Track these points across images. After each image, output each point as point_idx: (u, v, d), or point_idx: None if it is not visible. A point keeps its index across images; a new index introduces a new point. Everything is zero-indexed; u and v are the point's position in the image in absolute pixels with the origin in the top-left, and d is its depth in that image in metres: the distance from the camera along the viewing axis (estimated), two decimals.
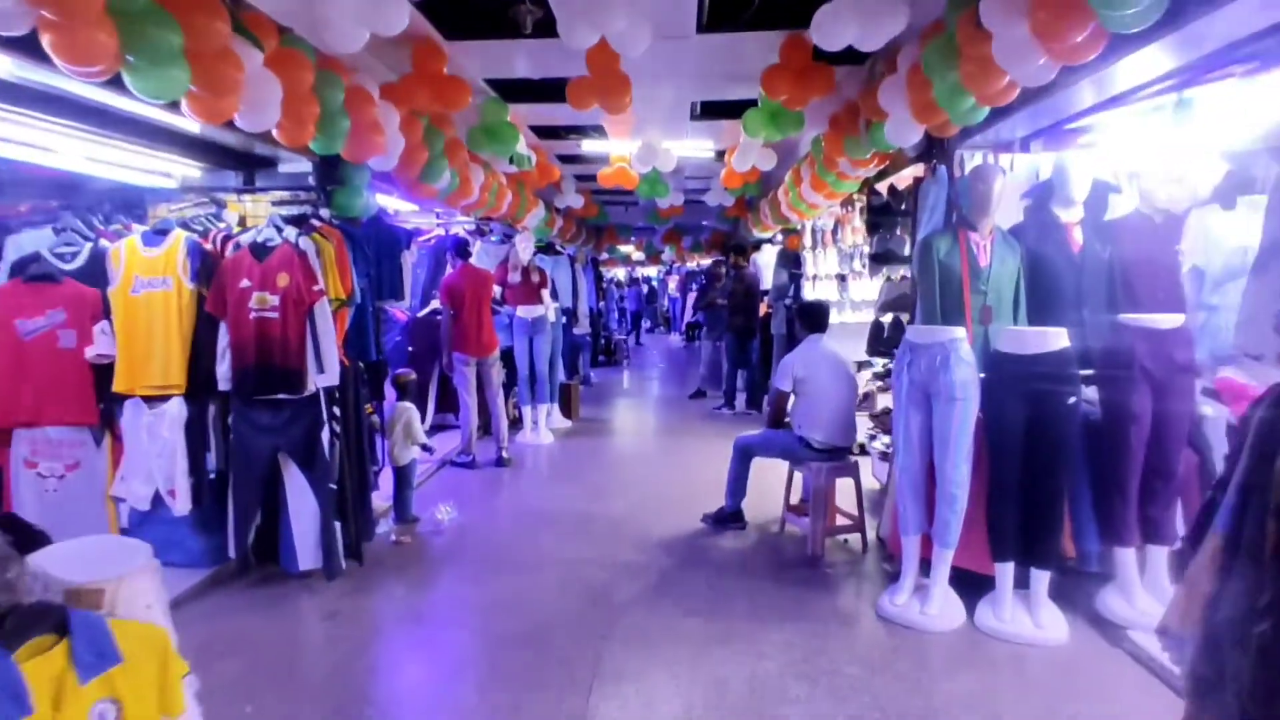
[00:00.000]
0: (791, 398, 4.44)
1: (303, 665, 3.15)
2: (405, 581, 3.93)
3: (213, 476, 3.80)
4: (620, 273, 25.45)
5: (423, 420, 7.43)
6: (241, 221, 4.15)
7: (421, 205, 7.02)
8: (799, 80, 3.91)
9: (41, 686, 1.29)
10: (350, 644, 3.28)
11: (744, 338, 8.67)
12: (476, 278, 6.29)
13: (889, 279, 4.72)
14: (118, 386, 3.67)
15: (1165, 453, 3.24)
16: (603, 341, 14.07)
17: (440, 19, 3.72)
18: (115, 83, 2.63)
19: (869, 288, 7.05)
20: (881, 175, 4.93)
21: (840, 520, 4.47)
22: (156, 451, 3.69)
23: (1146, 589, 3.29)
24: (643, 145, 6.16)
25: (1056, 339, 3.23)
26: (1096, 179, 3.66)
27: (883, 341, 4.63)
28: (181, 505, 3.68)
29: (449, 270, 6.96)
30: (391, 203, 6.55)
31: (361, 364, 4.30)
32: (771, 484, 5.09)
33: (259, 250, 3.66)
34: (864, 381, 6.38)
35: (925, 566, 3.54)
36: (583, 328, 11.11)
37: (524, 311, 7.22)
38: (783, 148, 6.66)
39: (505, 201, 6.67)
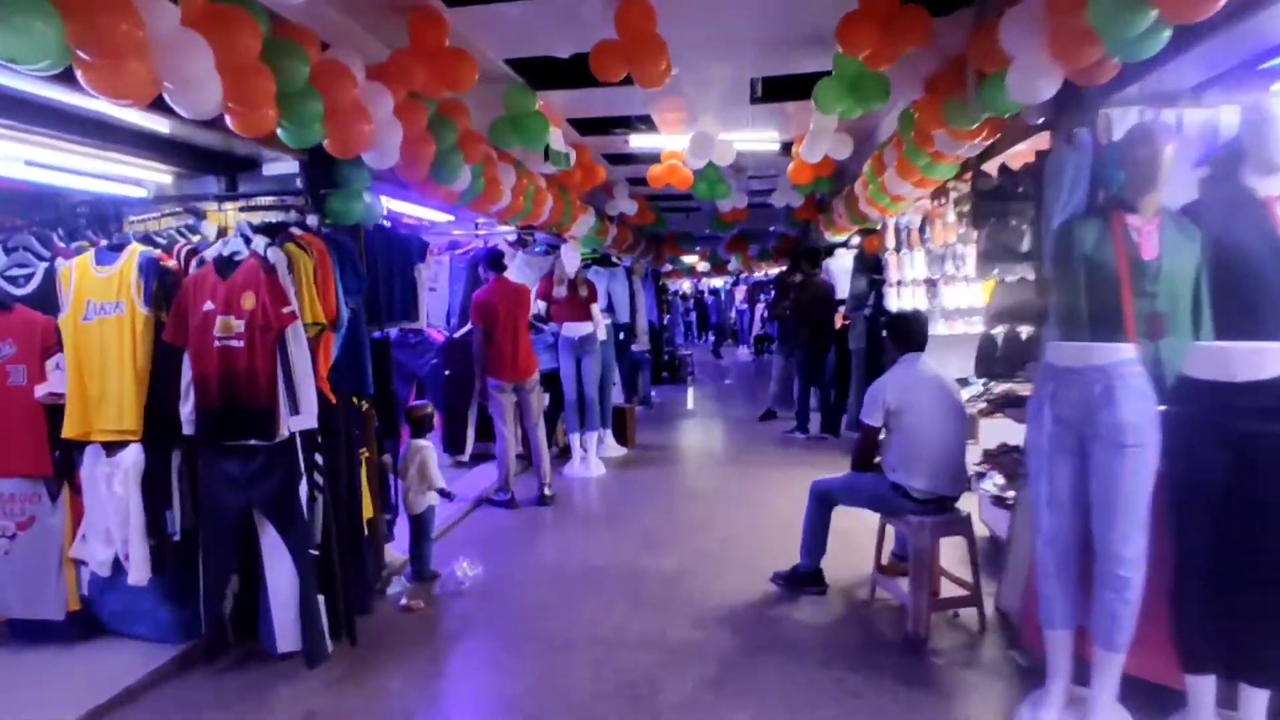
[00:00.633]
0: (882, 433, 3.54)
1: None
2: (404, 668, 3.20)
3: (177, 538, 3.17)
4: (686, 285, 24.69)
5: (461, 449, 6.85)
6: (222, 234, 3.54)
7: (457, 215, 6.43)
8: (886, 29, 3.06)
9: None
10: None
11: (816, 353, 7.74)
12: (511, 293, 5.60)
13: (1002, 281, 3.79)
14: (68, 431, 3.09)
15: None
16: (665, 358, 13.29)
17: None
18: (65, 76, 2.04)
19: (968, 293, 6.05)
20: (985, 156, 4.00)
21: (947, 587, 3.54)
22: (113, 509, 3.10)
23: None
24: (696, 135, 5.36)
25: (1277, 360, 2.27)
26: None
27: (995, 360, 3.70)
28: (137, 574, 3.06)
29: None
30: (420, 212, 5.96)
31: (359, 399, 3.63)
32: (856, 532, 4.19)
33: (224, 266, 3.03)
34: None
35: (1080, 668, 2.60)
36: (642, 344, 10.36)
37: (570, 329, 6.50)
38: (861, 131, 5.76)
39: (546, 207, 5.98)
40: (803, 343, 7.70)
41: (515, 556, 4.56)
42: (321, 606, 3.13)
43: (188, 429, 3.06)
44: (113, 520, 3.10)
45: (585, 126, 5.89)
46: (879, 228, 6.63)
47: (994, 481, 4.05)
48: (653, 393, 10.72)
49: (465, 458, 6.60)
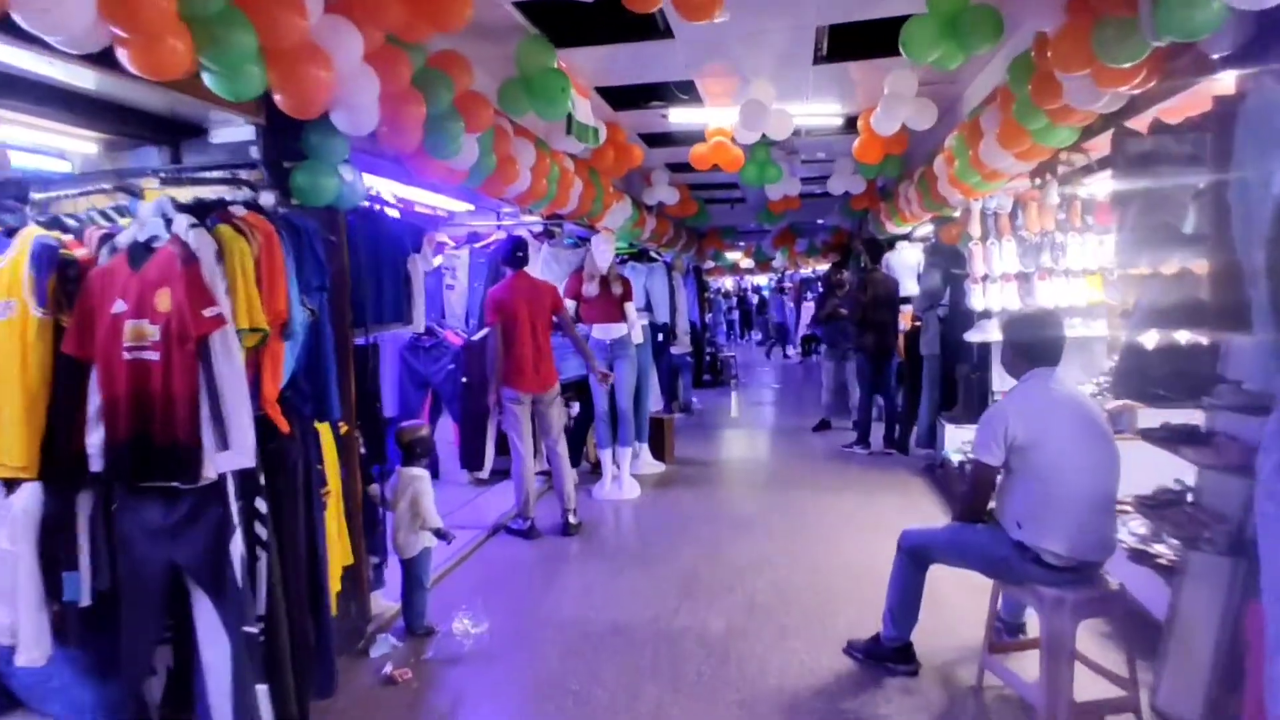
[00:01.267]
0: (1001, 475, 2.70)
1: None
2: None
3: (85, 603, 2.48)
4: (728, 282, 23.79)
5: (480, 466, 6.15)
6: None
7: (477, 203, 5.73)
8: None
9: None
10: None
11: (880, 357, 6.84)
12: (531, 290, 4.86)
13: (1155, 274, 2.92)
14: None
15: None
16: (707, 359, 12.46)
17: None
18: None
19: (1069, 289, 5.12)
20: (1119, 114, 3.11)
21: (1088, 678, 2.68)
22: (4, 566, 2.42)
23: None
24: (748, 103, 4.54)
25: None
26: None
27: (1148, 379, 2.81)
28: (29, 652, 2.38)
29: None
30: (434, 199, 5.26)
31: (339, 424, 2.91)
32: (947, 585, 3.35)
33: (138, 254, 2.33)
34: None
35: None
36: (682, 346, 9.57)
37: (601, 331, 5.74)
38: (944, 98, 4.88)
39: (574, 192, 5.23)
40: (865, 346, 6.81)
41: (529, 606, 3.81)
42: (265, 698, 2.41)
43: (94, 465, 2.36)
44: (4, 580, 2.42)
45: (617, 99, 5.12)
46: (957, 214, 5.72)
47: (1137, 530, 3.15)
48: (694, 398, 9.92)
49: (484, 475, 5.89)
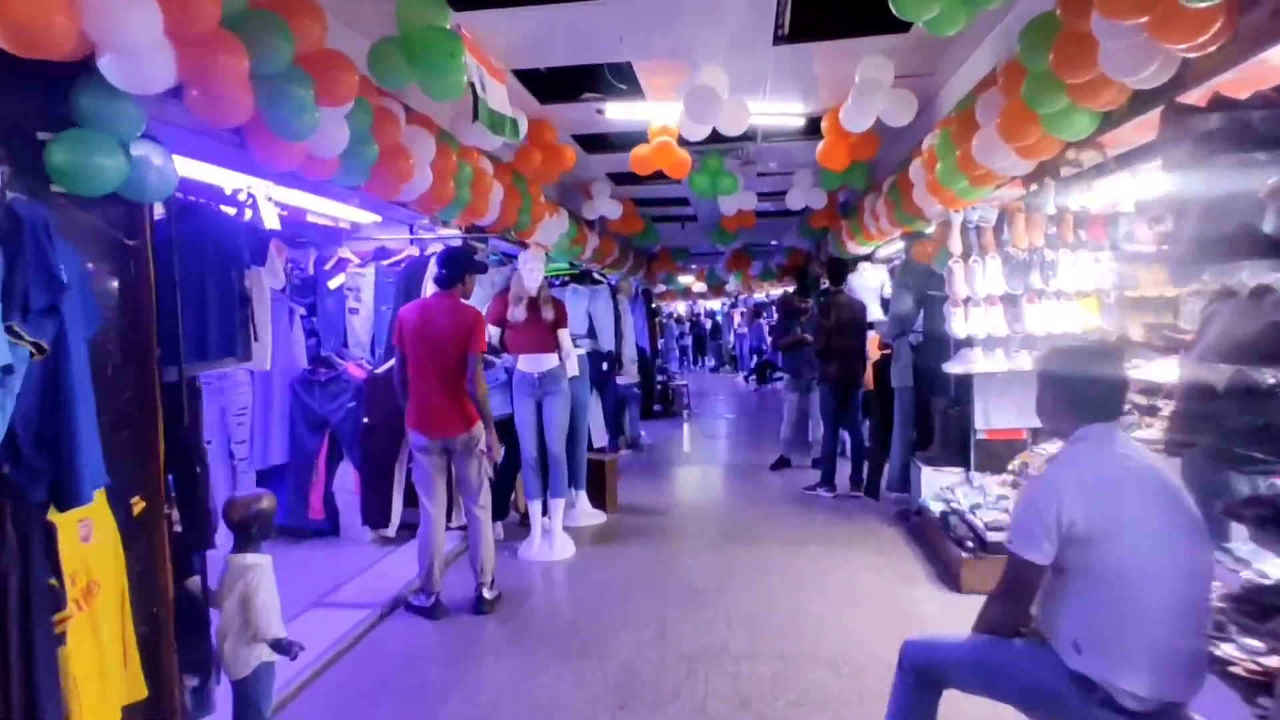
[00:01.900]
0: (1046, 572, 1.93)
1: None
2: None
3: None
4: (680, 307, 23.19)
5: (385, 522, 5.21)
6: None
7: (384, 212, 4.88)
8: None
9: None
10: None
11: (844, 390, 6.14)
12: (452, 315, 3.98)
13: (1227, 292, 2.23)
14: None
15: None
16: (658, 388, 11.68)
17: None
18: None
19: (1060, 314, 4.49)
20: (1157, 95, 2.46)
21: None
22: None
23: None
24: (696, 90, 3.80)
25: None
26: None
27: (1224, 433, 2.10)
28: None
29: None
30: (333, 209, 4.42)
31: (65, 508, 2.01)
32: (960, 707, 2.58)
33: None
34: None
35: None
36: (629, 376, 8.78)
37: (528, 363, 4.90)
38: (923, 93, 4.23)
39: (493, 199, 4.43)
40: (829, 376, 6.10)
41: None
42: None
43: None
44: None
45: (543, 88, 4.35)
46: (932, 230, 5.07)
47: (1240, 647, 2.39)
48: (642, 432, 9.11)
49: (390, 532, 4.96)
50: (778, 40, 3.61)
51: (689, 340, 22.03)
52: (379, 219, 5.08)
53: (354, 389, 4.97)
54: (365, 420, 4.89)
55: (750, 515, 5.73)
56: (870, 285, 7.83)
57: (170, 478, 2.43)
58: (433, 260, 5.21)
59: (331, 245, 5.53)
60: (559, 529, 4.94)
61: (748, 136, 5.54)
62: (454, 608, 4.00)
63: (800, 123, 4.82)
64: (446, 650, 3.60)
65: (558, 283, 8.40)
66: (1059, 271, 4.51)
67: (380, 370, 5.01)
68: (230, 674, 2.52)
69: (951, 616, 3.76)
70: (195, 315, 2.52)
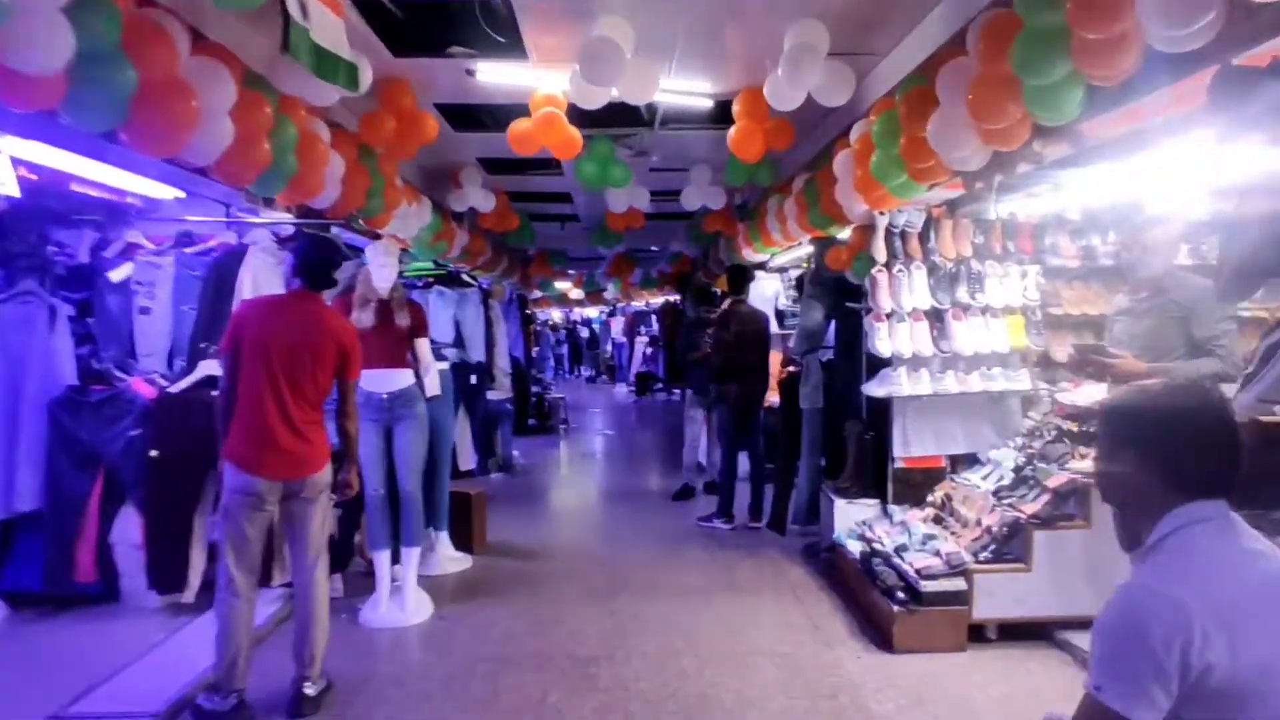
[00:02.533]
0: None
1: None
2: None
3: None
4: (556, 314, 22.34)
5: (180, 585, 3.99)
6: None
7: (193, 189, 3.82)
8: None
9: None
10: None
11: (745, 411, 5.55)
12: (312, 324, 2.95)
13: None
14: None
15: None
16: (533, 401, 10.79)
17: None
18: None
19: (988, 333, 4.07)
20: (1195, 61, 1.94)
21: None
22: None
23: None
24: (595, 43, 3.02)
25: None
26: None
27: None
28: None
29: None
30: (115, 177, 3.34)
31: None
32: None
33: None
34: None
35: None
36: (502, 389, 7.88)
37: (376, 380, 3.94)
38: (857, 72, 3.65)
39: (329, 173, 3.47)
40: (728, 395, 5.49)
41: None
42: None
43: None
44: None
45: (397, 38, 3.44)
46: (845, 235, 4.56)
47: None
48: (515, 452, 8.20)
49: (188, 598, 3.84)
50: None
51: (565, 349, 21.23)
52: (182, 195, 3.97)
53: (138, 412, 3.82)
54: (153, 453, 3.76)
55: (642, 556, 4.99)
56: (765, 295, 7.36)
57: None
58: (255, 250, 4.15)
59: (117, 226, 4.33)
60: (412, 584, 4.00)
61: (644, 121, 4.85)
62: (262, 708, 2.99)
63: (706, 105, 4.15)
64: None
65: (420, 284, 7.39)
66: (986, 286, 4.09)
67: (177, 388, 3.89)
68: None
69: (889, 682, 3.19)
70: None
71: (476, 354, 7.47)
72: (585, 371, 20.83)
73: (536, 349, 17.52)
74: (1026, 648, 3.49)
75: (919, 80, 2.92)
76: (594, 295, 18.92)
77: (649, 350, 15.87)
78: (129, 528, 3.95)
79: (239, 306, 3.37)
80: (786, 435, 5.17)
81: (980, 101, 2.45)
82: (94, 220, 4.25)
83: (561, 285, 16.41)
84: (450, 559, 4.70)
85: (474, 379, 7.38)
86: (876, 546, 3.95)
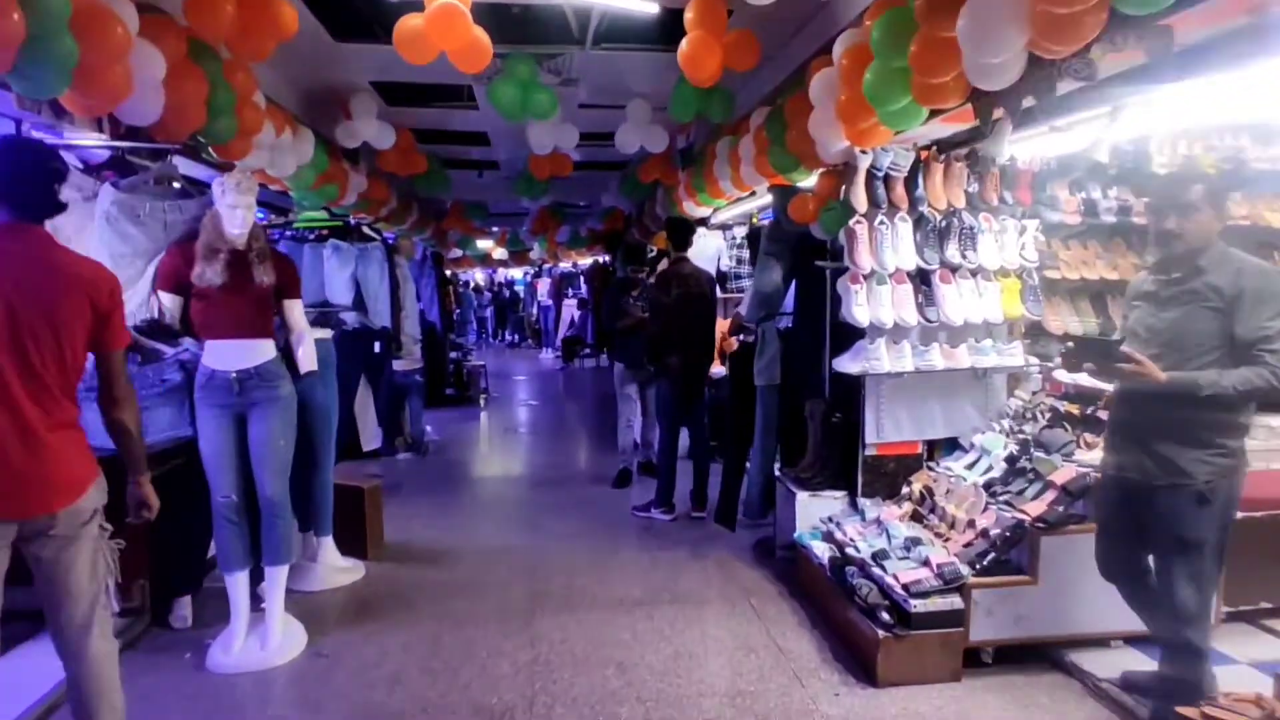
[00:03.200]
0: None
1: None
2: None
3: None
4: (479, 275, 21.14)
5: None
6: None
7: None
8: None
9: None
10: None
11: (689, 384, 4.85)
12: (37, 272, 2.00)
13: None
14: None
15: None
16: (450, 368, 9.85)
17: None
18: None
19: (979, 300, 3.45)
20: None
21: None
22: None
23: None
24: None
25: None
26: None
27: None
28: None
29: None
30: None
31: None
32: None
33: None
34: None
35: None
36: (411, 359, 6.95)
37: (223, 354, 3.04)
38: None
39: (141, 73, 2.51)
40: (669, 368, 4.76)
41: None
42: None
43: None
44: None
45: None
46: (811, 182, 3.85)
47: None
48: (427, 428, 7.31)
49: None
50: None
51: (489, 312, 20.09)
52: None
53: None
54: None
55: (568, 557, 4.26)
56: (706, 254, 6.65)
57: None
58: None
59: None
60: (278, 614, 3.15)
61: (573, 39, 3.99)
62: None
63: (652, 10, 3.33)
64: None
65: (311, 237, 6.36)
66: (979, 243, 3.46)
67: None
68: None
69: None
70: None
71: (380, 319, 6.50)
72: (509, 336, 19.80)
73: (458, 311, 16.42)
74: (1029, 673, 2.93)
75: None
76: (519, 255, 17.84)
77: (577, 314, 15.02)
78: None
79: None
80: (736, 416, 4.49)
81: None
82: None
83: (484, 244, 15.34)
84: (336, 570, 3.86)
85: (377, 347, 6.45)
86: (850, 552, 3.32)
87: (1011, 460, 3.34)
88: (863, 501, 3.73)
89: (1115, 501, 2.59)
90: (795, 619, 3.43)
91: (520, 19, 2.89)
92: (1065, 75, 2.18)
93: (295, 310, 3.41)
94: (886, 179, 3.36)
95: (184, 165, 3.62)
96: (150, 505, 2.23)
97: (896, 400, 3.71)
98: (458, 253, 15.26)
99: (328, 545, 3.87)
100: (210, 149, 3.51)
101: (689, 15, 3.22)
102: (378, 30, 3.87)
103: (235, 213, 3.10)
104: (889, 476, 3.79)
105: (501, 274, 21.39)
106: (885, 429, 3.72)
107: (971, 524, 3.17)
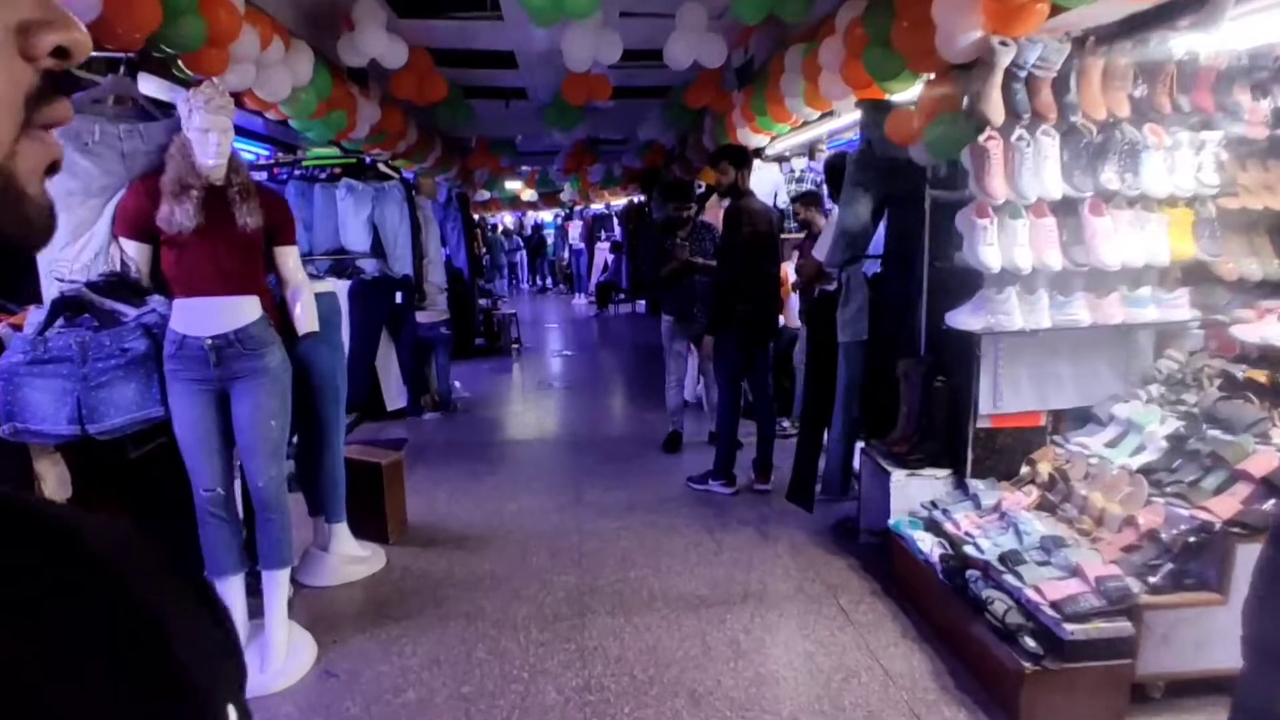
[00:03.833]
0: None
1: None
2: None
3: None
4: (508, 218, 20.39)
5: None
6: None
7: None
8: None
9: None
10: None
11: (758, 338, 4.19)
12: None
13: None
14: None
15: None
16: (480, 319, 9.29)
17: None
18: None
19: (1140, 237, 2.72)
20: None
21: None
22: None
23: None
24: None
25: None
26: None
27: None
28: None
29: None
30: None
31: None
32: None
33: None
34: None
35: None
36: (436, 310, 6.39)
37: (196, 316, 2.46)
38: None
39: None
40: (740, 318, 4.08)
41: None
42: None
43: None
44: None
45: None
46: (913, 90, 3.10)
47: None
48: (456, 384, 6.78)
49: None
50: None
51: (520, 256, 19.36)
52: None
53: None
54: None
55: (617, 541, 3.69)
56: (760, 190, 5.90)
57: None
58: None
59: None
60: (279, 627, 2.63)
61: None
62: None
63: None
64: None
65: (323, 175, 5.76)
66: (1143, 164, 2.70)
67: None
68: None
69: None
70: None
71: (401, 266, 5.93)
72: (546, 282, 19.09)
73: (487, 256, 15.74)
74: (1208, 711, 2.31)
75: None
76: (549, 197, 17.10)
77: (610, 258, 14.31)
78: None
79: None
80: (814, 378, 3.83)
81: None
82: None
83: (512, 186, 14.64)
84: (351, 561, 3.34)
85: (399, 298, 5.89)
86: (969, 551, 2.70)
87: (1177, 440, 2.66)
88: (974, 484, 3.09)
89: None
90: (897, 628, 2.84)
91: None
92: None
93: (290, 259, 2.84)
94: (1029, 81, 2.60)
95: (158, 89, 2.99)
96: None
97: (1017, 361, 3.03)
98: (485, 195, 14.56)
99: (341, 533, 3.34)
100: (180, 62, 2.87)
101: None
102: None
103: (208, 138, 2.49)
104: (1005, 454, 3.14)
105: (531, 217, 20.62)
106: (1004, 396, 3.05)
107: (1131, 522, 2.52)
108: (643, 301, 12.50)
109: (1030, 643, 2.30)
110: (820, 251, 3.79)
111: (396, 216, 5.90)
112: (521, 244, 19.57)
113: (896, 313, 3.49)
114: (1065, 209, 2.71)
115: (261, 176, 5.69)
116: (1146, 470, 2.65)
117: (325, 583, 3.23)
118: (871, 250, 3.61)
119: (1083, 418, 3.14)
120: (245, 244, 2.63)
